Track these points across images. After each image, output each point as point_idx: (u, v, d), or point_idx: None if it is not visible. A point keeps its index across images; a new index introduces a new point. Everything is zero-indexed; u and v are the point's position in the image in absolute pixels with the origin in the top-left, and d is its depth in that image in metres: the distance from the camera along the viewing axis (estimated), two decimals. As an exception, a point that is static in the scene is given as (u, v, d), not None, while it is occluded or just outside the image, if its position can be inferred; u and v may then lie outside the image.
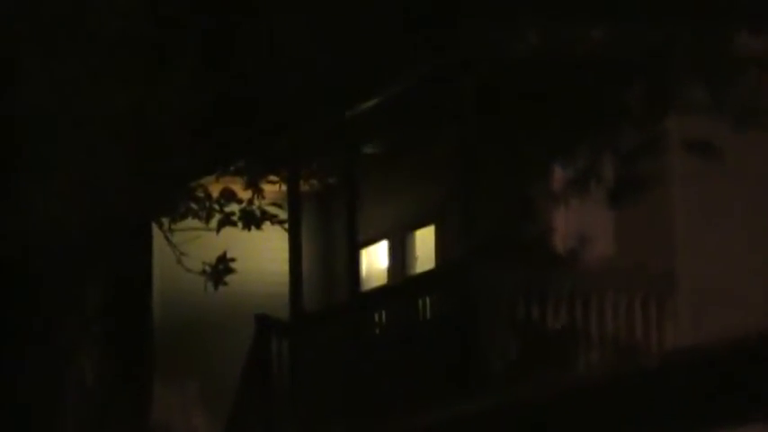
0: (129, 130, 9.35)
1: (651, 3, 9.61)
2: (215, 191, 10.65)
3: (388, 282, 13.58)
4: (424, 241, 13.09)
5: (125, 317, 10.95)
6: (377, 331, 11.55)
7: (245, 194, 10.85)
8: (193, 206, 10.61)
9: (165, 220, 10.46)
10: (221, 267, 10.36)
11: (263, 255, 12.35)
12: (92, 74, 9.26)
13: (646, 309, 10.39)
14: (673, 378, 8.56)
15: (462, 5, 9.57)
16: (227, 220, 10.68)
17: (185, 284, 11.06)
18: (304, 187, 12.26)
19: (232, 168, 11.06)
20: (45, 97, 9.13)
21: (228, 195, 10.71)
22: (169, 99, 9.35)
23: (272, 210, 10.99)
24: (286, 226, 11.51)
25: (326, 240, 13.80)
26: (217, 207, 10.68)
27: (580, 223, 10.98)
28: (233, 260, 10.34)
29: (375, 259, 13.94)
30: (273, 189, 11.42)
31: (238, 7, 9.76)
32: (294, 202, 12.02)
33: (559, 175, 10.63)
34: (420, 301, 11.16)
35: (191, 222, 10.57)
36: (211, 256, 10.40)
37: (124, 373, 10.89)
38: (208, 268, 10.34)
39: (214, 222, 10.63)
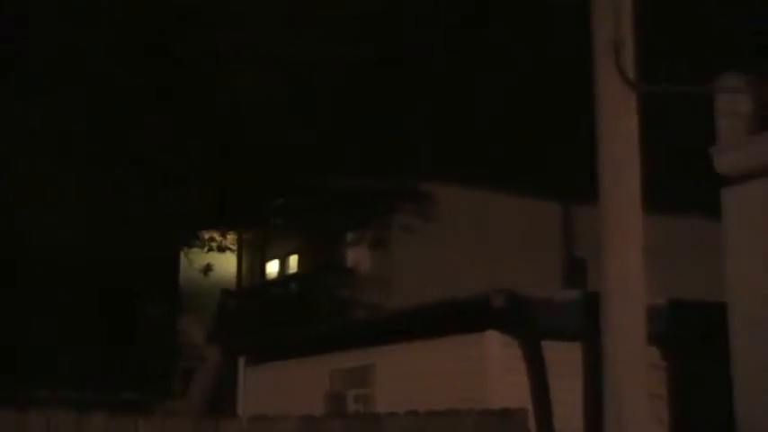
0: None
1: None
2: (206, 235, 17.50)
3: (277, 277, 20.81)
4: (294, 261, 20.54)
5: (165, 288, 20.04)
6: (273, 297, 18.83)
7: (219, 237, 17.58)
8: (197, 242, 17.52)
9: (185, 248, 18.06)
10: (208, 267, 17.46)
11: (226, 264, 18.88)
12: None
13: (382, 290, 16.79)
14: (400, 317, 11.21)
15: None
16: (211, 248, 17.48)
17: (193, 275, 17.61)
18: (245, 236, 19.32)
19: (214, 226, 17.67)
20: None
21: (211, 238, 17.56)
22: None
23: (231, 244, 17.95)
24: (236, 252, 18.75)
25: (252, 259, 20.87)
26: (207, 242, 17.49)
27: (359, 256, 18.17)
28: (212, 265, 17.47)
29: (272, 267, 21.23)
30: (232, 236, 18.49)
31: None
32: (240, 242, 19.17)
33: (351, 237, 18.44)
34: (291, 285, 18.62)
35: (196, 249, 17.53)
36: (203, 263, 17.43)
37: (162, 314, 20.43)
38: (202, 268, 17.42)
39: (206, 249, 17.43)
